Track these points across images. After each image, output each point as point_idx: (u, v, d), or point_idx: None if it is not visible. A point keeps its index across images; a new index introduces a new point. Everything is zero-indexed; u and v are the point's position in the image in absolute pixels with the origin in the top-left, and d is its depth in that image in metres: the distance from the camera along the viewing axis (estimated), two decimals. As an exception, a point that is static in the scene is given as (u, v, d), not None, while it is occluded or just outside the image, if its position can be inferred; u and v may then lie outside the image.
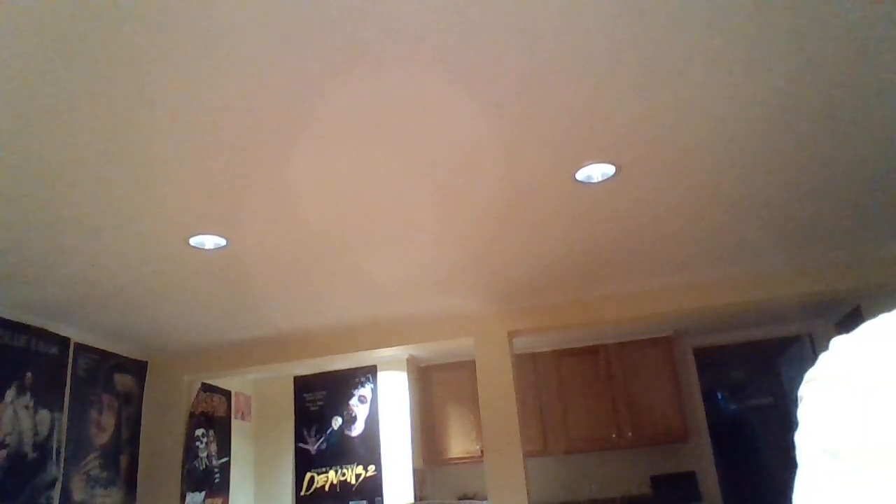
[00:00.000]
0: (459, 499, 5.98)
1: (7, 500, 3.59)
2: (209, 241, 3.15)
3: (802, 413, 0.56)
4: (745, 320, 5.76)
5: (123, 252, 3.19)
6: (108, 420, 4.53)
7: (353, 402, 5.78)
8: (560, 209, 3.14)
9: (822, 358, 0.56)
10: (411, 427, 5.61)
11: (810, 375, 0.56)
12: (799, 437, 0.55)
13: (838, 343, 0.56)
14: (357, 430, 5.70)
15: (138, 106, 2.09)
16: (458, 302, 4.48)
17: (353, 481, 5.58)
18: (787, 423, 6.81)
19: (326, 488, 5.64)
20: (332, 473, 5.66)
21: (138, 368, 4.93)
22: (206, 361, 5.08)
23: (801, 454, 0.54)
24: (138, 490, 4.74)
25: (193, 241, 3.12)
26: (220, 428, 5.48)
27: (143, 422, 4.89)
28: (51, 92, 1.99)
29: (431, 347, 5.27)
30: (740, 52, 2.08)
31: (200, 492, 5.06)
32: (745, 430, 7.72)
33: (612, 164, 2.74)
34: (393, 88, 2.12)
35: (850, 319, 5.47)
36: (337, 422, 5.77)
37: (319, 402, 5.88)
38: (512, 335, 4.77)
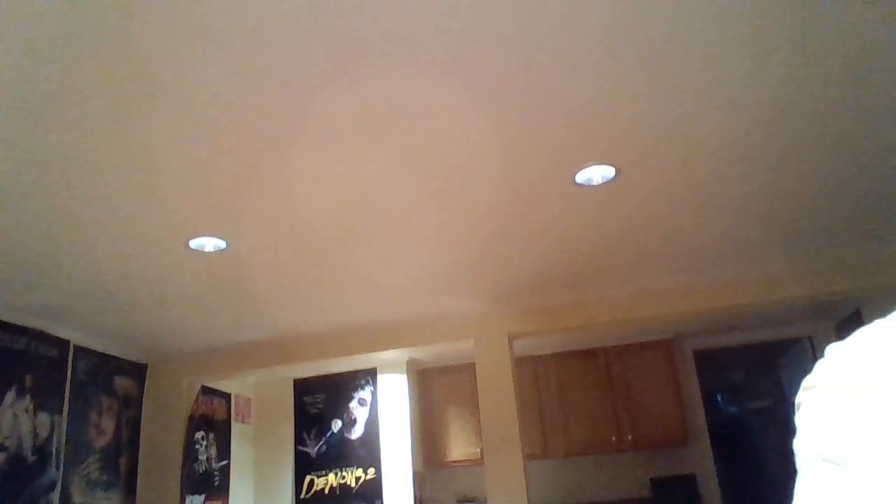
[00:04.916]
0: (459, 501, 5.97)
1: (7, 502, 3.59)
2: (209, 244, 3.15)
3: (800, 420, 0.56)
4: (746, 323, 5.76)
5: (123, 254, 3.19)
6: (108, 423, 4.53)
7: (353, 404, 5.78)
8: (560, 211, 3.14)
9: (819, 365, 0.56)
10: (411, 430, 5.61)
11: (807, 383, 0.57)
12: (797, 444, 0.55)
13: (834, 350, 0.56)
14: (357, 432, 5.70)
15: (138, 108, 2.10)
16: (458, 304, 4.48)
17: (353, 484, 5.58)
18: (788, 425, 6.81)
19: (326, 491, 5.64)
20: (331, 476, 5.66)
21: (138, 371, 4.93)
22: (205, 364, 5.08)
23: (800, 461, 0.54)
24: (138, 493, 4.73)
25: (193, 243, 3.12)
26: (220, 431, 5.48)
27: (142, 424, 4.89)
28: (51, 94, 1.99)
29: (431, 350, 5.27)
30: (740, 53, 2.08)
31: (200, 494, 5.05)
32: (745, 433, 7.71)
33: (612, 166, 2.74)
34: (393, 90, 2.12)
35: (850, 321, 5.47)
36: (337, 424, 5.77)
37: (319, 405, 5.87)
38: (512, 337, 4.77)
